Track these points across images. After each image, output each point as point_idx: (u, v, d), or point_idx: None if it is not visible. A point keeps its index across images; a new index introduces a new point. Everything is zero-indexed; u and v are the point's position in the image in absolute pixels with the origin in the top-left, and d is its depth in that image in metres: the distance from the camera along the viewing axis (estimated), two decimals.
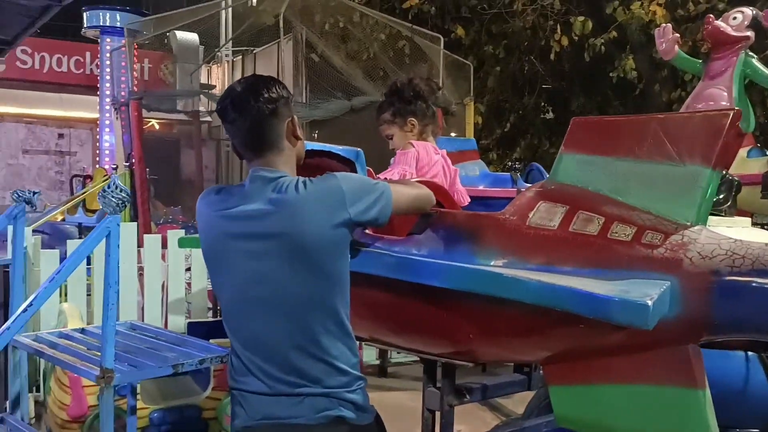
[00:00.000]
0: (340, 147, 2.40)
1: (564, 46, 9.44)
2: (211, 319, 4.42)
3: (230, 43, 12.00)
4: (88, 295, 4.57)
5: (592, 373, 1.82)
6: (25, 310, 2.16)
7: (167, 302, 4.75)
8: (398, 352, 4.42)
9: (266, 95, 1.86)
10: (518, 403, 4.00)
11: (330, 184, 1.83)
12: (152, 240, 4.80)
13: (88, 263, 4.41)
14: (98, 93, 13.59)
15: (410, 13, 9.79)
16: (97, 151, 14.08)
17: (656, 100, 9.51)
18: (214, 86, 12.62)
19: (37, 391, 4.27)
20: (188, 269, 4.88)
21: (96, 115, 14.03)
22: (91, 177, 10.88)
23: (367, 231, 2.19)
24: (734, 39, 4.36)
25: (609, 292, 1.58)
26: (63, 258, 4.20)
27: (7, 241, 4.16)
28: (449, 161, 2.80)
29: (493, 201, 3.09)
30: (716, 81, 4.43)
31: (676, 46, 4.66)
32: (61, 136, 16.32)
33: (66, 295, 4.47)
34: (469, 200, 2.84)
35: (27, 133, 15.95)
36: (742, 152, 4.44)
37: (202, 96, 10.62)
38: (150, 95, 8.96)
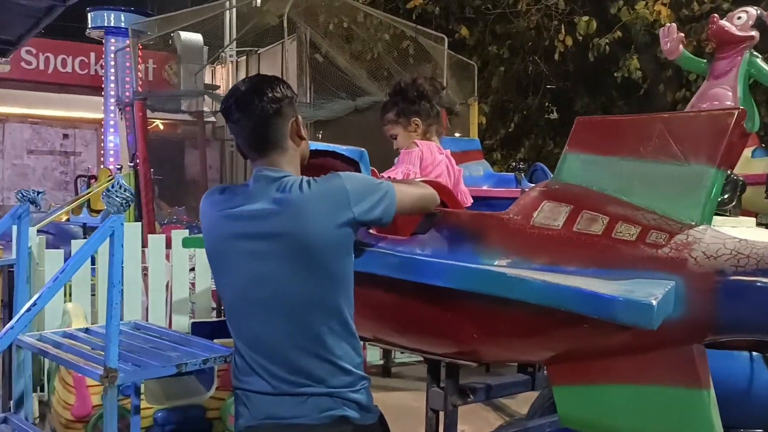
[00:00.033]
0: (344, 147, 2.39)
1: (568, 46, 9.43)
2: (214, 319, 4.42)
3: (234, 44, 11.99)
4: (93, 295, 4.57)
5: (596, 374, 1.81)
6: (29, 310, 2.16)
7: (171, 302, 4.77)
8: (402, 352, 4.43)
9: (270, 95, 1.86)
10: (522, 403, 3.99)
11: (334, 183, 1.83)
12: (156, 240, 4.81)
13: (93, 263, 4.42)
14: (103, 93, 13.62)
15: (414, 13, 9.79)
16: (102, 152, 14.12)
17: (661, 100, 9.49)
18: (219, 86, 12.60)
19: (42, 390, 4.28)
20: (192, 269, 4.89)
21: (100, 116, 14.06)
22: (95, 177, 10.91)
23: (370, 231, 2.19)
24: (739, 39, 4.36)
25: (613, 291, 1.57)
26: (67, 258, 4.20)
27: (11, 241, 4.18)
28: (453, 161, 2.78)
29: (497, 201, 3.08)
30: (721, 81, 4.43)
31: (681, 46, 4.66)
32: (65, 136, 16.37)
33: (70, 294, 4.48)
34: (472, 201, 2.83)
35: (32, 133, 16.01)
36: (747, 152, 4.44)
37: (206, 96, 10.63)
38: (154, 95, 8.99)
